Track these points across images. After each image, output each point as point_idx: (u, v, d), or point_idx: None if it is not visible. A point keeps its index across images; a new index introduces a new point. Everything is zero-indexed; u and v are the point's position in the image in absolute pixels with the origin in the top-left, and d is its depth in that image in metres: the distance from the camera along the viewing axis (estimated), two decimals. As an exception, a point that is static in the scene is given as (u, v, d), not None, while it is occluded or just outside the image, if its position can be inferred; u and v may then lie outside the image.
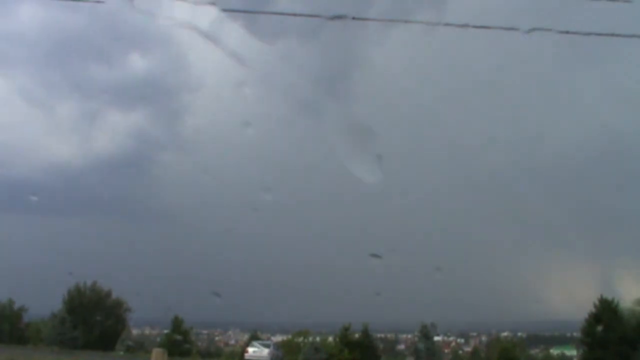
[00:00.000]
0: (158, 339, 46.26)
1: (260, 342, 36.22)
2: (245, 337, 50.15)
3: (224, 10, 6.80)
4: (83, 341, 37.24)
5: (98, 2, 7.40)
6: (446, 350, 53.45)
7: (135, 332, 44.77)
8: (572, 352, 44.01)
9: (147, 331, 54.87)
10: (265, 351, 32.64)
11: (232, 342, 61.20)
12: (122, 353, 36.27)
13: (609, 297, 35.01)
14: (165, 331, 44.40)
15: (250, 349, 33.27)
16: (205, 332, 64.36)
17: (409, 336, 53.59)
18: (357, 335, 40.12)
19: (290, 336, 47.93)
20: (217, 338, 66.81)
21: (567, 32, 7.37)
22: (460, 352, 54.01)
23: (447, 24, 7.14)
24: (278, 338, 49.05)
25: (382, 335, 57.46)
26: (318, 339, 44.38)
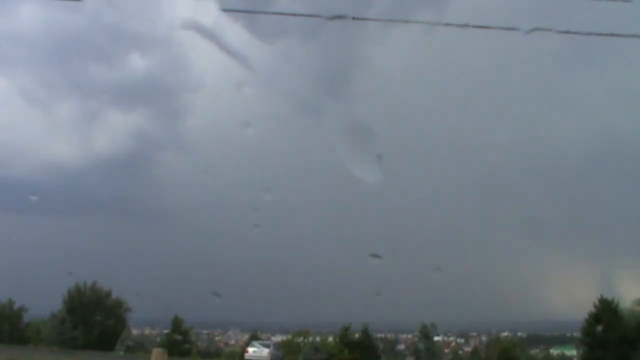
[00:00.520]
0: (158, 339, 46.26)
1: (260, 342, 36.22)
2: (245, 337, 50.14)
3: (224, 9, 6.80)
4: (83, 341, 37.23)
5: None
6: (446, 350, 53.44)
7: (135, 332, 44.77)
8: (572, 352, 44.00)
9: (147, 331, 54.86)
10: (266, 351, 32.65)
11: (232, 342, 61.19)
12: (122, 353, 36.26)
13: (609, 297, 35.04)
14: (165, 331, 44.40)
15: (250, 349, 33.28)
16: (205, 332, 64.35)
17: (409, 336, 53.58)
18: (357, 335, 40.13)
19: (290, 336, 47.91)
20: (217, 338, 66.79)
21: (567, 32, 7.37)
22: (460, 352, 53.99)
23: (447, 24, 7.14)
24: (278, 338, 49.04)
25: (382, 335, 57.45)
26: (318, 339, 44.37)
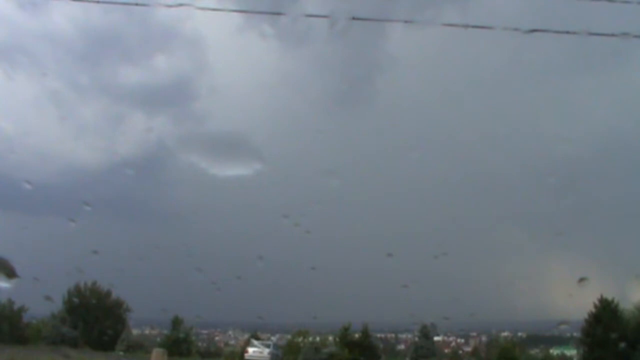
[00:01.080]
0: (158, 339, 46.26)
1: (260, 342, 36.29)
2: (245, 337, 50.15)
3: (243, 11, 6.78)
4: (83, 341, 37.26)
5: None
6: (446, 350, 53.40)
7: (135, 332, 44.75)
8: (572, 352, 43.99)
9: (147, 331, 54.82)
10: (266, 351, 32.74)
11: (232, 342, 61.13)
12: (121, 353, 36.28)
13: (609, 297, 35.05)
14: (165, 331, 44.43)
15: (251, 349, 33.37)
16: (205, 332, 64.29)
17: (409, 336, 53.54)
18: (357, 336, 40.14)
19: (290, 336, 47.91)
20: (217, 338, 66.73)
21: (567, 32, 7.37)
22: (460, 352, 53.97)
23: (447, 24, 7.15)
24: (278, 338, 49.03)
25: (382, 335, 57.42)
26: (318, 338, 44.38)
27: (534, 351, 48.77)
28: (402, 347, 57.57)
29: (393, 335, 62.00)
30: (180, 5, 6.24)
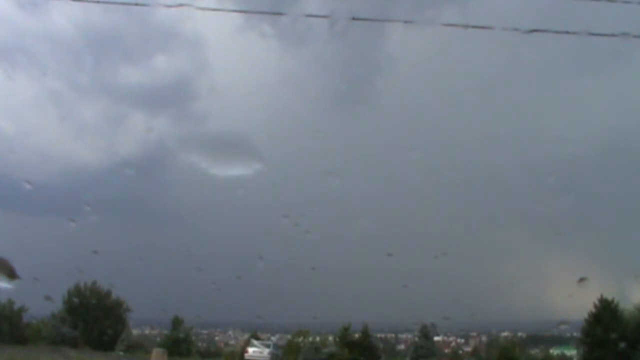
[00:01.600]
0: (158, 339, 46.27)
1: (260, 342, 36.31)
2: (245, 337, 50.16)
3: (243, 11, 6.78)
4: (83, 341, 37.25)
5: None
6: (446, 350, 53.39)
7: (135, 332, 44.78)
8: (572, 352, 43.99)
9: (147, 331, 54.82)
10: (266, 351, 32.77)
11: (232, 342, 61.13)
12: (121, 353, 36.28)
13: (609, 297, 35.05)
14: (165, 331, 44.45)
15: (251, 349, 33.38)
16: (205, 332, 64.30)
17: (409, 336, 53.54)
18: (357, 335, 40.13)
19: (290, 336, 47.93)
20: (217, 338, 66.73)
21: (567, 33, 7.37)
22: (460, 352, 53.96)
23: (447, 24, 7.14)
24: (278, 338, 49.05)
25: (383, 335, 57.42)
26: (318, 338, 44.38)
27: (534, 351, 48.76)
28: (402, 347, 57.58)
29: (393, 335, 62.00)
30: (180, 5, 6.23)
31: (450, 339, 62.36)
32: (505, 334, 52.13)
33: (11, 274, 6.72)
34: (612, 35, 7.14)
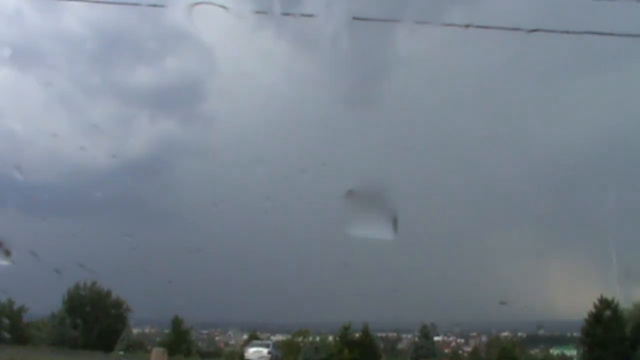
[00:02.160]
0: (157, 339, 46.29)
1: (259, 342, 36.33)
2: (245, 337, 50.19)
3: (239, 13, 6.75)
4: (83, 341, 37.25)
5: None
6: (446, 350, 53.40)
7: (135, 331, 44.80)
8: (572, 352, 44.00)
9: (147, 330, 54.86)
10: (265, 351, 32.76)
11: (232, 342, 61.16)
12: (122, 353, 36.27)
13: (609, 297, 35.04)
14: (165, 331, 44.47)
15: (251, 349, 33.37)
16: (205, 332, 64.34)
17: (409, 336, 53.52)
18: (357, 335, 40.10)
19: (290, 336, 47.97)
20: (217, 338, 66.75)
21: (568, 32, 7.36)
22: (460, 352, 53.96)
23: (448, 24, 7.13)
24: (278, 338, 49.08)
25: (384, 335, 57.41)
26: (318, 338, 44.38)
27: (534, 351, 48.77)
28: (402, 346, 57.58)
29: (395, 334, 62.00)
30: (186, 5, 6.20)
31: (450, 339, 62.37)
32: (505, 334, 52.13)
33: (6, 253, 6.86)
34: (612, 34, 7.12)
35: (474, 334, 62.71)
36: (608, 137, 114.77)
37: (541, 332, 47.61)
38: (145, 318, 52.09)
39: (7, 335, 35.48)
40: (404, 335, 60.07)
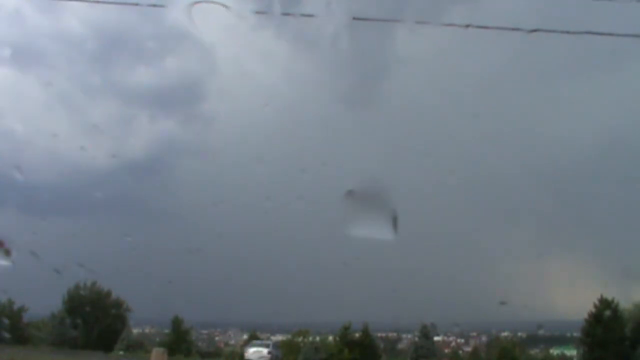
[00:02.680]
0: (157, 339, 46.29)
1: (259, 342, 36.34)
2: (245, 337, 50.21)
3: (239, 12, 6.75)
4: (83, 341, 37.26)
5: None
6: (446, 350, 53.40)
7: (135, 331, 44.82)
8: (572, 352, 44.01)
9: (147, 330, 54.87)
10: (265, 351, 32.78)
11: (232, 342, 61.18)
12: (122, 352, 36.29)
13: (609, 297, 35.05)
14: (166, 331, 44.46)
15: (251, 349, 33.38)
16: (205, 332, 64.35)
17: (409, 336, 53.54)
18: (357, 335, 40.11)
19: (290, 336, 47.98)
20: (217, 338, 66.77)
21: (568, 32, 7.36)
22: (460, 352, 53.96)
23: (448, 24, 7.14)
24: (278, 338, 49.10)
25: (383, 335, 57.41)
26: (318, 338, 44.40)
27: (534, 351, 48.78)
28: (402, 346, 57.59)
29: (395, 334, 62.01)
30: (186, 5, 6.20)
31: (450, 339, 62.35)
32: (505, 334, 52.11)
33: (6, 253, 6.90)
34: (612, 34, 7.12)
35: (474, 334, 62.71)
36: (608, 138, 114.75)
37: (541, 332, 47.75)
38: (145, 318, 52.05)
39: (7, 335, 35.46)
40: (404, 335, 60.02)
